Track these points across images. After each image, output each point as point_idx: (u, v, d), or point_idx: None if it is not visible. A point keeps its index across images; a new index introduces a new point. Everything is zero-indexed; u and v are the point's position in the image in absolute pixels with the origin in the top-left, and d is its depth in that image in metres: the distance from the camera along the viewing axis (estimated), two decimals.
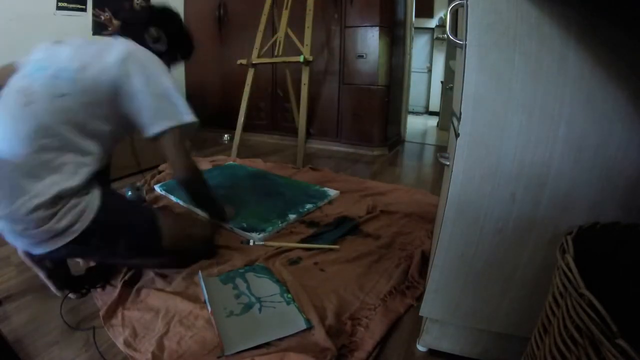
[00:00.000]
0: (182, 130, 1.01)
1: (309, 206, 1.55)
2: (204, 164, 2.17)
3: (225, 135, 3.05)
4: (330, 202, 1.64)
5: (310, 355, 0.76)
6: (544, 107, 0.59)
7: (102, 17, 2.64)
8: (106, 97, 0.92)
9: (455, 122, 0.71)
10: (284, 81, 2.63)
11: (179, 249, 1.07)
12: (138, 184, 1.66)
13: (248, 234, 1.31)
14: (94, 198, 0.91)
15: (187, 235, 1.09)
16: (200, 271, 1.05)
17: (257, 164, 2.23)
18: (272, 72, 2.89)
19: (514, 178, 0.63)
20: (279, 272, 1.08)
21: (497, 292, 0.71)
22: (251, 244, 1.26)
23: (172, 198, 1.63)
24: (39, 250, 0.88)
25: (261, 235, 1.30)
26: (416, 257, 1.14)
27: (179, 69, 3.40)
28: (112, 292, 0.98)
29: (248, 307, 0.93)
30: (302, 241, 1.28)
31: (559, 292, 0.47)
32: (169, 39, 1.14)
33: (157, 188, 1.74)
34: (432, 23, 4.82)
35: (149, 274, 1.06)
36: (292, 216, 1.45)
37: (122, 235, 0.96)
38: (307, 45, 2.14)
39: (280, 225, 1.38)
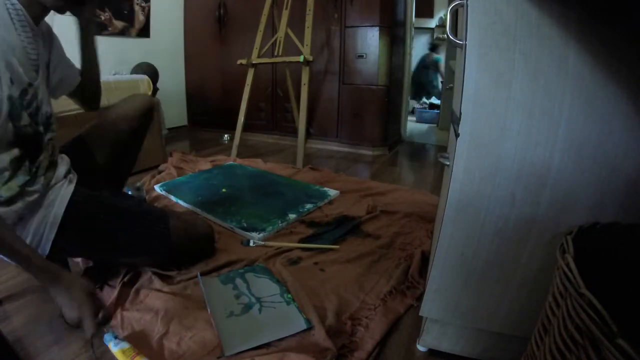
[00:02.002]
0: None
1: (309, 206, 1.55)
2: (204, 164, 2.17)
3: (225, 135, 3.05)
4: (330, 202, 1.64)
5: (310, 355, 0.76)
6: (544, 107, 0.59)
7: (102, 17, 2.64)
8: None
9: (455, 122, 0.71)
10: (284, 81, 2.63)
11: (180, 249, 1.07)
12: (138, 184, 1.66)
13: (248, 233, 1.31)
14: None
15: (189, 235, 1.09)
16: (199, 272, 1.05)
17: (257, 164, 2.23)
18: (272, 72, 2.89)
19: (514, 178, 0.63)
20: (279, 272, 1.08)
21: (497, 292, 0.71)
22: (251, 244, 1.26)
23: (172, 198, 1.63)
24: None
25: (261, 235, 1.30)
26: (416, 257, 1.14)
27: (179, 69, 3.42)
28: (110, 293, 0.98)
29: (248, 307, 0.93)
30: (302, 241, 1.28)
31: (559, 292, 0.47)
32: None
33: (157, 188, 1.74)
34: (432, 23, 4.82)
35: (148, 275, 1.05)
36: (292, 216, 1.45)
37: (135, 235, 0.97)
38: (307, 45, 2.14)
39: (280, 225, 1.38)
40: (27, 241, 0.86)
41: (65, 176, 0.97)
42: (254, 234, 1.30)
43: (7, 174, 0.81)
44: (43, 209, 0.89)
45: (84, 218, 0.94)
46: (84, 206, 0.95)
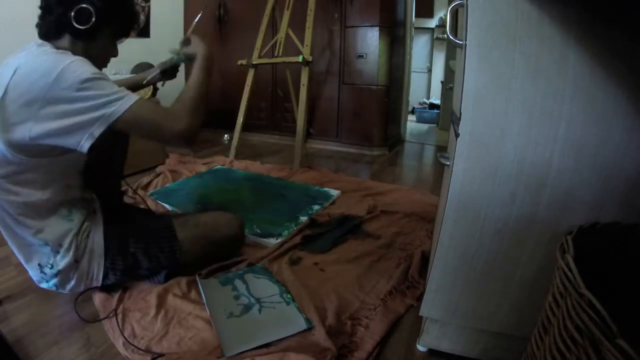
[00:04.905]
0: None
1: (316, 207, 1.55)
2: (200, 167, 2.13)
3: (226, 135, 3.04)
4: (332, 202, 1.64)
5: (310, 355, 0.76)
6: (544, 107, 0.59)
7: None
8: None
9: (455, 122, 0.71)
10: (285, 81, 2.63)
11: (202, 257, 1.06)
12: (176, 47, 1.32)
13: (265, 240, 1.28)
14: None
15: (209, 243, 1.07)
16: (197, 275, 1.04)
17: (254, 165, 2.20)
18: (273, 72, 2.89)
19: (514, 178, 0.63)
20: (278, 273, 1.08)
21: (497, 292, 0.71)
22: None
23: (167, 207, 1.55)
24: None
25: (279, 240, 1.27)
26: (416, 257, 1.14)
27: (179, 69, 3.39)
28: (112, 293, 0.98)
29: (248, 308, 0.93)
30: (302, 238, 1.28)
31: (559, 292, 0.47)
32: (97, 11, 0.84)
33: (150, 195, 1.65)
34: (432, 23, 4.82)
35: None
36: (303, 218, 1.44)
37: (143, 261, 0.98)
38: (307, 45, 2.14)
39: (294, 228, 1.35)
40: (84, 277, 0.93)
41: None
42: (271, 240, 1.27)
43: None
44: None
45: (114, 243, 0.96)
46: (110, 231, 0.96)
